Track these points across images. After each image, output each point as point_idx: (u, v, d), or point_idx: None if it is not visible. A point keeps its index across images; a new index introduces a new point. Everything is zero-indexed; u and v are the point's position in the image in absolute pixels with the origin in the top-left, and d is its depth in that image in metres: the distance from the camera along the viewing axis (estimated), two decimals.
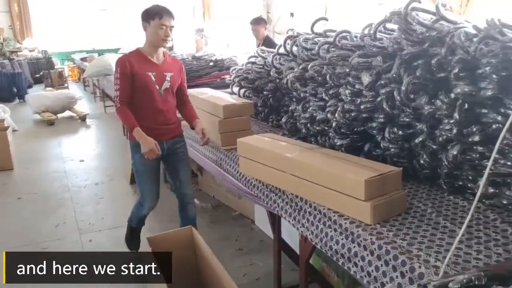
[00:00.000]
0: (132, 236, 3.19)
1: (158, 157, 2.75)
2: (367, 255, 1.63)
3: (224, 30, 9.61)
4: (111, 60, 7.95)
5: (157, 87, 2.79)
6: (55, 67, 13.43)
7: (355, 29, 2.25)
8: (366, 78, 2.06)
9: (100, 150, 6.40)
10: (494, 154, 1.54)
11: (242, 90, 3.47)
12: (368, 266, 1.63)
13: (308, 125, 2.64)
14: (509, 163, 1.65)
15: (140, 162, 2.83)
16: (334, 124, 2.35)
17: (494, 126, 1.70)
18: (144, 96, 2.78)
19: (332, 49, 2.25)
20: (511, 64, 1.54)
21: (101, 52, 12.68)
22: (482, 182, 1.58)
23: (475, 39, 1.62)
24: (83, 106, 9.39)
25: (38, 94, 8.97)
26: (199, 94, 3.28)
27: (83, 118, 8.43)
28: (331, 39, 2.26)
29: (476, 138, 1.76)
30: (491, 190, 1.76)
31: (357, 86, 2.18)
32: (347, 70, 2.18)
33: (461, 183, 1.93)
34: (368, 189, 1.70)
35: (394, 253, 1.51)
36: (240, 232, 3.71)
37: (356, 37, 2.18)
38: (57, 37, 15.76)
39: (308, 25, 2.70)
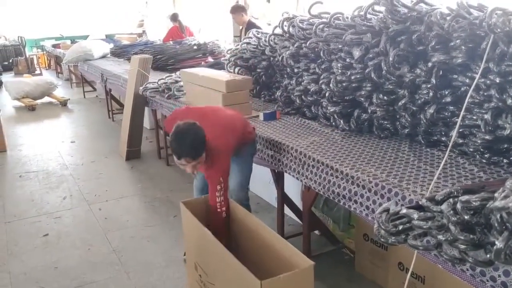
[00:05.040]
0: None
1: None
2: (365, 192, 2.03)
3: (194, 16, 9.78)
4: (91, 45, 8.11)
5: None
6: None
7: (346, 11, 2.63)
8: (357, 52, 2.46)
9: (88, 132, 6.54)
10: (463, 111, 1.97)
11: (237, 69, 3.79)
12: (366, 201, 2.03)
13: (302, 96, 3.02)
14: (474, 117, 2.08)
15: None
16: (327, 94, 2.73)
17: (462, 89, 2.13)
18: None
19: (327, 28, 2.63)
20: (476, 37, 1.95)
21: (72, 39, 12.63)
22: (454, 132, 2.02)
23: (448, 18, 2.02)
24: (60, 92, 9.44)
25: (17, 80, 8.98)
26: (198, 72, 3.60)
27: (64, 103, 8.53)
28: (326, 20, 2.63)
29: (448, 99, 2.19)
30: (460, 140, 2.19)
31: (347, 60, 2.57)
32: (340, 46, 2.56)
33: (436, 137, 2.36)
34: None
35: (388, 187, 1.92)
36: None
37: (347, 18, 2.56)
38: (24, 25, 15.48)
39: (282, 10, 3.09)
